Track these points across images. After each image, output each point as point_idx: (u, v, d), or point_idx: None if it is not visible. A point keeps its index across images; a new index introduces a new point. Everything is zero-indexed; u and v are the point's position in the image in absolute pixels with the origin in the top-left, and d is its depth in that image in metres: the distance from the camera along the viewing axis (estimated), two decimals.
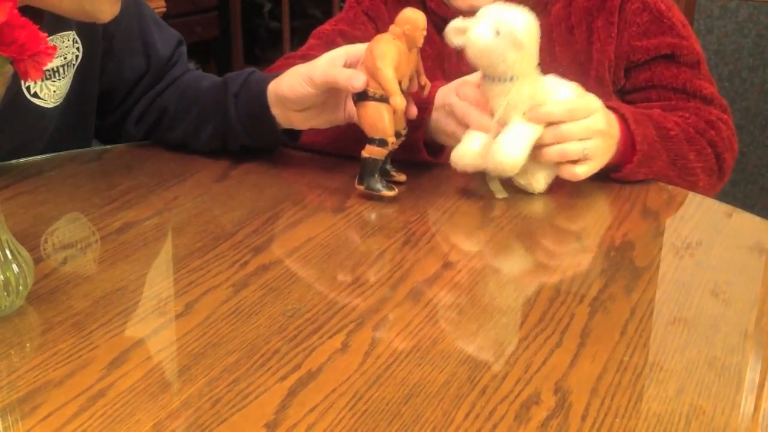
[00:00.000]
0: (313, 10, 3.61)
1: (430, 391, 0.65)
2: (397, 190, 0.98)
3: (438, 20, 1.19)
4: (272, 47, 3.64)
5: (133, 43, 1.14)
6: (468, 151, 0.97)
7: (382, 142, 0.96)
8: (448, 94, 1.01)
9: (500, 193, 1.00)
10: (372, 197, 0.98)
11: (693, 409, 0.64)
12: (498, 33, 0.93)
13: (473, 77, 1.00)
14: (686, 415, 0.63)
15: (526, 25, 0.93)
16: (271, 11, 3.74)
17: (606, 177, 1.05)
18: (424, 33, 0.96)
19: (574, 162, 0.99)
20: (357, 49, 0.98)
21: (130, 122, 1.16)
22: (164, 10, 2.29)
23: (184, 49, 1.20)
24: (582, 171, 0.99)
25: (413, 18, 0.95)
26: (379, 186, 0.98)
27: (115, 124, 1.18)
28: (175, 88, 1.15)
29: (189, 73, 1.18)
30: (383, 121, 0.95)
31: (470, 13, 1.15)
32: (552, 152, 0.97)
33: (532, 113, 0.95)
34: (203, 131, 1.10)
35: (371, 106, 0.95)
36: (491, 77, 0.96)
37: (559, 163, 0.99)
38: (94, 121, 1.16)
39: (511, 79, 0.95)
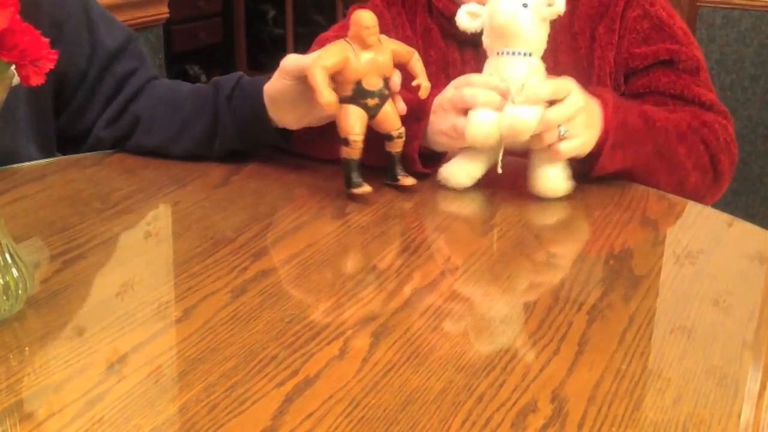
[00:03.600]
0: (317, 17, 3.62)
1: (427, 398, 0.65)
2: (368, 188, 0.98)
3: (444, 22, 1.20)
4: (276, 53, 3.64)
5: (81, 32, 1.14)
6: (486, 120, 0.96)
7: (345, 141, 0.97)
8: (444, 94, 1.02)
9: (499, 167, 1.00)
10: (356, 199, 0.99)
11: (690, 417, 0.64)
12: (526, 5, 0.97)
13: (472, 76, 1.01)
14: (683, 423, 0.63)
15: None
16: (275, 18, 3.76)
17: (602, 181, 1.05)
18: (371, 31, 0.96)
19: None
20: None
21: (99, 127, 1.15)
22: (167, 15, 2.29)
23: (138, 46, 1.20)
24: (565, 148, 0.99)
25: (356, 18, 0.96)
26: (353, 182, 0.98)
27: (75, 124, 1.16)
28: (148, 94, 1.15)
29: (160, 80, 1.19)
30: (344, 121, 0.97)
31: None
32: (532, 142, 0.98)
33: (522, 95, 0.95)
34: (185, 135, 1.10)
35: (340, 107, 0.96)
36: (511, 51, 0.98)
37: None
38: (52, 117, 1.15)
39: (531, 55, 0.98)
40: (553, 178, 1.00)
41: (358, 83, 0.96)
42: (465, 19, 1.01)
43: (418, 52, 1.20)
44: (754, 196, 2.37)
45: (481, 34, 1.02)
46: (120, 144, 1.15)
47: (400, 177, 1.02)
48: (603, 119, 1.02)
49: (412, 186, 1.02)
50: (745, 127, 2.32)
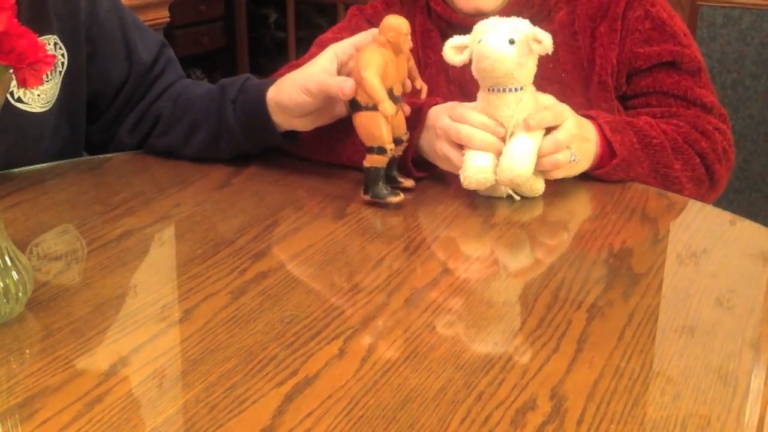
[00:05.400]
0: (318, 20, 3.62)
1: (427, 396, 0.65)
2: (402, 196, 0.99)
3: (443, 25, 1.20)
4: (278, 57, 3.65)
5: (116, 46, 1.15)
6: (480, 169, 0.97)
7: (381, 150, 0.96)
8: (438, 116, 1.02)
9: (516, 196, 1.01)
10: (379, 205, 0.99)
11: (689, 415, 0.64)
12: (512, 42, 0.94)
13: (469, 104, 1.01)
14: (682, 420, 0.63)
15: (535, 29, 0.96)
16: (277, 21, 3.76)
17: (600, 180, 1.06)
18: (408, 38, 0.96)
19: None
20: (344, 46, 1.00)
21: (123, 131, 1.17)
22: (167, 19, 2.30)
23: (169, 52, 1.21)
24: (561, 174, 1.02)
25: (395, 24, 0.96)
26: (384, 192, 0.98)
27: (105, 132, 1.18)
28: (169, 95, 1.16)
29: (182, 80, 1.19)
30: (379, 129, 0.95)
31: (475, 15, 1.15)
32: (545, 162, 0.99)
33: (532, 121, 0.96)
34: (196, 137, 1.11)
35: (366, 115, 0.95)
36: (502, 88, 0.97)
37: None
38: (84, 126, 1.16)
39: (521, 88, 0.97)
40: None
41: (390, 90, 0.96)
42: (451, 54, 0.99)
43: (418, 53, 1.20)
44: (756, 194, 2.36)
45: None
46: (140, 146, 1.17)
47: (401, 179, 1.02)
48: (600, 141, 1.04)
49: (411, 188, 1.02)
50: (747, 126, 2.32)
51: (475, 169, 0.97)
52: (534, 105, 0.98)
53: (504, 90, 0.97)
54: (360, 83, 0.94)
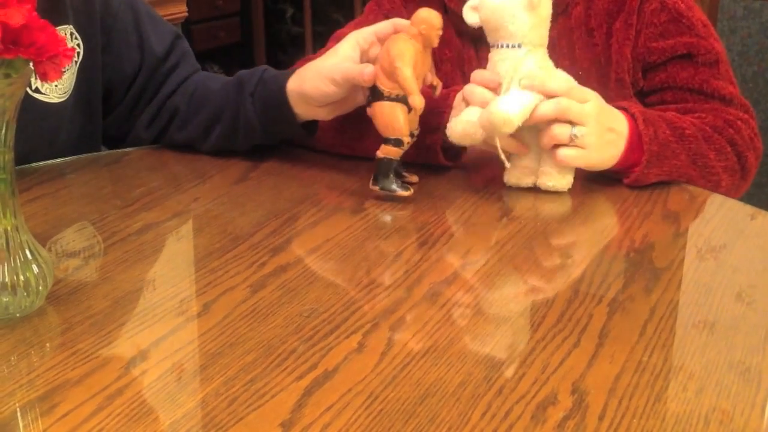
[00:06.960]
0: (335, 15, 3.62)
1: (446, 391, 0.65)
2: (412, 191, 0.98)
3: (459, 22, 1.19)
4: (295, 52, 3.65)
5: (129, 37, 1.15)
6: (463, 120, 0.98)
7: (398, 142, 0.96)
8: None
9: (506, 162, 1.00)
10: (387, 198, 0.98)
11: (712, 410, 0.63)
12: None
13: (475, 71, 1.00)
14: (705, 416, 0.63)
15: None
16: (294, 16, 3.76)
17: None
18: (440, 33, 0.96)
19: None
20: (366, 34, 1.00)
21: (140, 126, 1.17)
22: (185, 14, 2.30)
23: (184, 44, 1.21)
24: (570, 154, 0.98)
25: (429, 18, 0.95)
26: (394, 186, 0.98)
27: (120, 126, 1.18)
28: (184, 89, 1.16)
29: (198, 74, 1.19)
30: (398, 121, 0.95)
31: None
32: (544, 137, 0.98)
33: (528, 80, 0.96)
34: (213, 131, 1.11)
35: (386, 105, 0.95)
36: (500, 43, 0.97)
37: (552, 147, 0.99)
38: (101, 118, 1.17)
39: (520, 46, 0.96)
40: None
41: None
42: (468, 14, 1.00)
43: (434, 50, 1.19)
44: None
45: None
46: (158, 140, 1.17)
47: (405, 174, 1.01)
48: (630, 134, 1.01)
49: (415, 183, 1.01)
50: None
51: (458, 121, 0.98)
52: (539, 68, 0.97)
53: (500, 46, 0.97)
54: (392, 73, 0.94)
